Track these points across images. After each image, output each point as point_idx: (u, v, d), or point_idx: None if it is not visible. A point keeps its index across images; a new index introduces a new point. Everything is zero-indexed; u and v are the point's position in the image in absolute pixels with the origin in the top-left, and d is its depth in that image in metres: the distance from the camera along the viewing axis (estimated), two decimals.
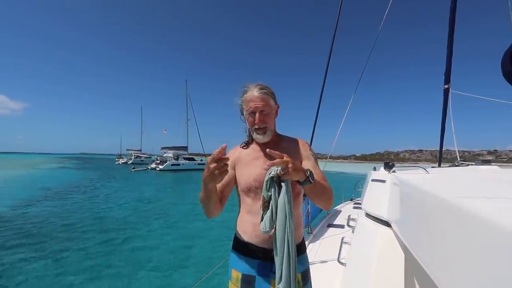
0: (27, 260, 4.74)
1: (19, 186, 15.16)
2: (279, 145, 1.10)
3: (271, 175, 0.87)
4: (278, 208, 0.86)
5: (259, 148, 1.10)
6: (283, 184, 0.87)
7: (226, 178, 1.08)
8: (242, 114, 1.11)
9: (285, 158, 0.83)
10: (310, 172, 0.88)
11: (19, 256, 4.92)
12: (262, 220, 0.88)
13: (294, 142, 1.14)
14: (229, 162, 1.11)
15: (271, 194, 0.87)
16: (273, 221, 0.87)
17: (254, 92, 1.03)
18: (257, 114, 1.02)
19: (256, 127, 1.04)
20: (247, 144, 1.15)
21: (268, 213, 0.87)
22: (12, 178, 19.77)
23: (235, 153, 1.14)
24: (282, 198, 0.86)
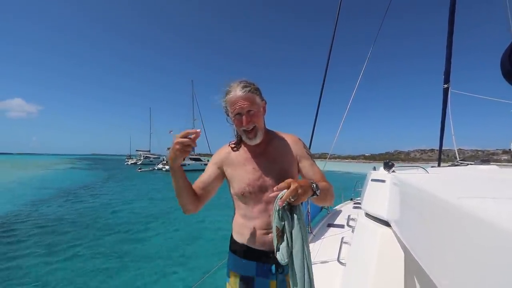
0: (38, 255, 4.95)
1: (34, 186, 15.73)
2: (270, 143, 1.07)
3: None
4: (293, 236, 0.85)
5: (249, 149, 1.06)
6: (295, 214, 0.86)
7: (210, 174, 1.06)
8: (228, 116, 1.03)
9: (292, 186, 0.78)
10: (316, 185, 0.86)
11: (30, 250, 5.17)
12: (278, 250, 0.86)
13: (287, 138, 1.09)
14: (216, 161, 1.09)
15: (284, 224, 0.85)
16: (289, 249, 0.85)
17: (237, 92, 0.95)
18: (244, 116, 0.96)
19: (245, 128, 0.97)
20: (236, 145, 1.09)
21: (284, 243, 0.85)
22: (28, 178, 20.58)
23: (223, 152, 1.10)
24: (297, 226, 0.85)
